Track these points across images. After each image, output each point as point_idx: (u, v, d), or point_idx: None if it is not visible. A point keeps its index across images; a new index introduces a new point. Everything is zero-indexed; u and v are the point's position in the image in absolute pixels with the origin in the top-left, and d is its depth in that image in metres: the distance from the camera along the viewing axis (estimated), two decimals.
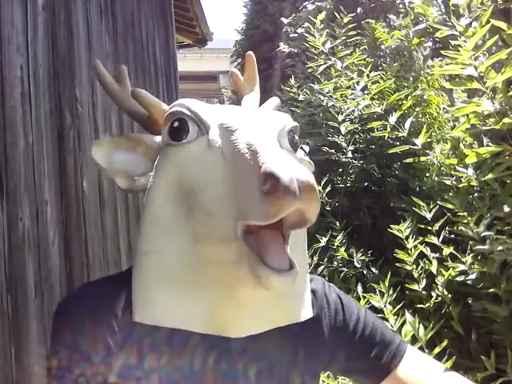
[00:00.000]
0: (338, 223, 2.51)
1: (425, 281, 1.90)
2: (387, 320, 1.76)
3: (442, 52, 1.69)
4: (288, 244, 0.53)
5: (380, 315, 1.80)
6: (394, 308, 1.82)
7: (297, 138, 0.64)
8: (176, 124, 0.57)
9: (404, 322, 1.72)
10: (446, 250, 1.86)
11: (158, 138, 0.65)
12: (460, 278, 1.77)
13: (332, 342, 0.67)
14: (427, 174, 2.36)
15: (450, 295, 1.81)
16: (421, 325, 1.66)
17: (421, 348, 1.62)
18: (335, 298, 0.71)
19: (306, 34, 2.90)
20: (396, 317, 1.76)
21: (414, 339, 1.64)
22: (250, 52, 0.79)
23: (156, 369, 0.58)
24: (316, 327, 0.67)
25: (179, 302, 0.57)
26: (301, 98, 3.33)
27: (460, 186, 1.88)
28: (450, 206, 1.82)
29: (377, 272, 2.28)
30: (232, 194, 0.50)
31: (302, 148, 2.94)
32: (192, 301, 0.57)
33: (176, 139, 0.57)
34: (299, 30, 4.68)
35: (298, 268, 0.51)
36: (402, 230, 1.97)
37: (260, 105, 0.77)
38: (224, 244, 0.51)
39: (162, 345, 0.58)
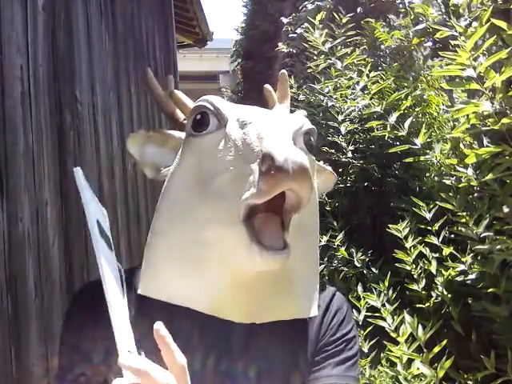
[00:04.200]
0: (338, 223, 2.51)
1: (424, 281, 1.90)
2: (384, 319, 1.76)
3: (440, 53, 1.69)
4: (288, 229, 0.56)
5: (377, 314, 1.80)
6: (392, 308, 1.82)
7: (313, 139, 0.66)
8: (199, 117, 0.62)
9: (402, 322, 1.72)
10: (446, 250, 1.86)
11: None
12: (460, 278, 1.77)
13: (314, 345, 0.67)
14: (427, 174, 2.36)
15: (449, 295, 1.81)
16: (420, 325, 1.66)
17: (420, 347, 1.63)
18: (337, 305, 0.71)
19: (306, 34, 2.90)
20: (393, 316, 1.76)
21: (413, 339, 1.64)
22: (284, 71, 0.84)
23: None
24: (316, 332, 0.68)
25: (183, 281, 0.60)
26: (301, 97, 3.33)
27: (460, 186, 1.89)
28: (449, 206, 1.81)
29: (377, 272, 2.28)
30: (241, 178, 0.55)
31: None
32: (195, 281, 0.59)
33: (197, 130, 0.62)
34: (298, 30, 4.67)
35: (291, 249, 0.54)
36: (400, 229, 1.97)
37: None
38: (228, 227, 0.55)
39: (169, 325, 0.60)
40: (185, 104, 0.74)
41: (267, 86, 0.82)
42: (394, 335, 1.70)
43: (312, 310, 0.65)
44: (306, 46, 3.03)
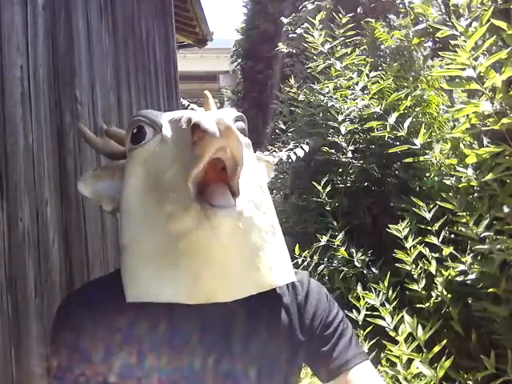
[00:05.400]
0: (338, 223, 2.52)
1: (424, 281, 1.90)
2: (383, 319, 1.76)
3: (440, 53, 1.69)
4: (237, 194, 0.59)
5: (376, 313, 1.81)
6: (391, 307, 1.82)
7: (243, 124, 0.70)
8: (135, 131, 0.67)
9: (401, 321, 1.72)
10: (446, 250, 1.86)
11: None
12: (460, 278, 1.77)
13: (310, 327, 0.71)
14: (427, 174, 2.36)
15: (449, 295, 1.81)
16: (419, 324, 1.66)
17: (419, 347, 1.63)
18: (318, 289, 0.75)
19: (306, 35, 2.91)
20: (393, 316, 1.76)
21: (413, 339, 1.64)
22: (207, 91, 0.93)
23: (157, 349, 0.62)
24: (299, 313, 0.71)
25: (163, 280, 0.62)
26: (301, 97, 3.34)
27: (460, 185, 1.89)
28: (449, 206, 1.82)
29: (377, 272, 2.28)
30: (184, 164, 0.57)
31: (301, 147, 2.94)
32: (174, 276, 0.61)
33: (136, 143, 0.66)
34: (298, 30, 4.67)
35: (245, 203, 0.59)
36: (400, 229, 1.97)
37: None
38: (186, 211, 0.57)
39: (158, 323, 0.63)
40: (121, 135, 0.78)
41: (193, 106, 0.90)
42: (393, 334, 1.70)
43: (287, 276, 0.68)
44: (306, 46, 3.03)
